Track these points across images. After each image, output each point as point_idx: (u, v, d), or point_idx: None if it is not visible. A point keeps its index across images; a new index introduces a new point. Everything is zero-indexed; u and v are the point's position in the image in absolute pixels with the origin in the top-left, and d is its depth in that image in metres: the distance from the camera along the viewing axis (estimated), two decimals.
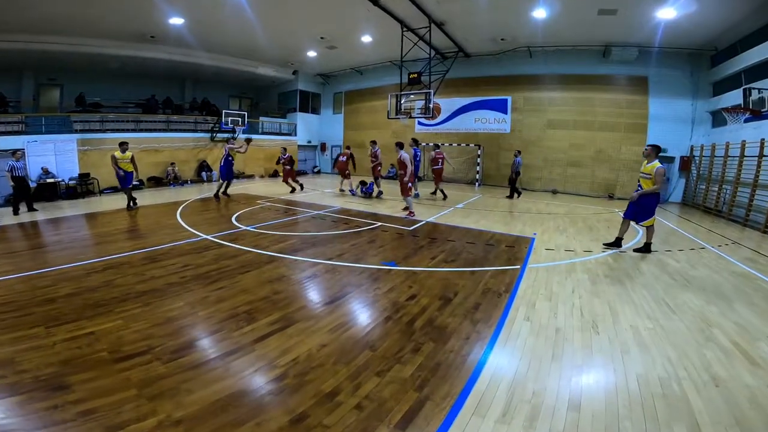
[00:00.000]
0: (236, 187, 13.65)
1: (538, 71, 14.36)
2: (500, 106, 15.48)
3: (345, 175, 12.02)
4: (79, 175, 12.03)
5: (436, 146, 12.77)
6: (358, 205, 9.88)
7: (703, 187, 11.40)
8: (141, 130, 14.23)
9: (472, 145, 16.07)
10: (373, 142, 11.94)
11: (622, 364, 2.73)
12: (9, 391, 2.34)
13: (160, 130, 14.80)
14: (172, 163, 14.66)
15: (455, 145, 16.53)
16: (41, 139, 11.61)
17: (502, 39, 13.02)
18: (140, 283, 4.32)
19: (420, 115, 12.40)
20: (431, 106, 11.99)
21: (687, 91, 12.27)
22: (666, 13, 9.57)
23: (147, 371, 2.59)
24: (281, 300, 3.82)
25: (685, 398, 2.36)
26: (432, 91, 12.15)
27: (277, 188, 13.16)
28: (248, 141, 12.18)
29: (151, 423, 2.10)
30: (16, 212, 8.94)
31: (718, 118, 11.45)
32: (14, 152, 9.46)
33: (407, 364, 2.67)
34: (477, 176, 15.87)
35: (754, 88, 8.58)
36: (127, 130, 13.86)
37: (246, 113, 16.89)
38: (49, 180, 11.21)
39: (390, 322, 3.38)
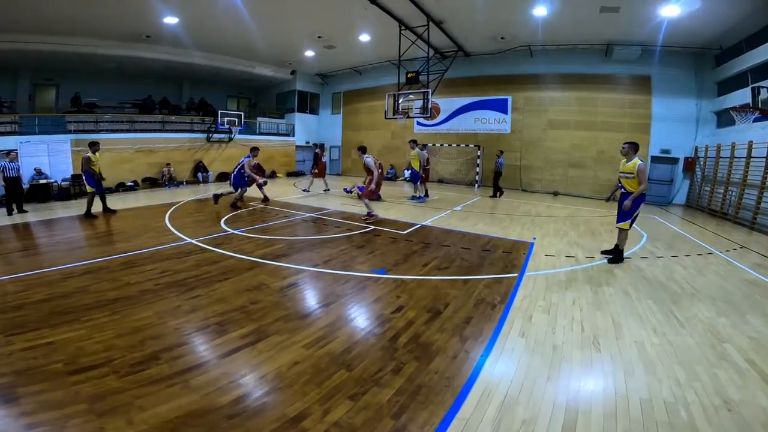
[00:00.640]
0: (229, 188, 13.42)
1: (539, 70, 14.10)
2: (500, 106, 15.22)
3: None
4: (72, 176, 11.83)
5: (423, 146, 12.47)
6: (354, 207, 9.62)
7: (708, 188, 11.09)
8: (136, 131, 14.05)
9: (472, 145, 15.80)
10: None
11: (625, 386, 2.46)
12: None
13: (155, 131, 14.59)
14: (168, 164, 14.46)
15: (454, 145, 16.28)
16: (34, 140, 11.43)
17: (502, 38, 12.76)
18: (114, 289, 4.09)
19: (418, 115, 12.17)
20: (429, 105, 11.75)
21: (691, 90, 11.97)
22: (669, 11, 9.30)
23: (100, 385, 2.40)
24: (257, 311, 3.56)
25: (693, 426, 2.09)
26: (430, 90, 11.90)
27: (274, 189, 12.91)
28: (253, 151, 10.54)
29: None
30: (10, 213, 8.80)
31: (723, 118, 11.15)
32: (8, 153, 9.31)
33: (385, 386, 2.41)
34: (477, 177, 15.60)
35: (763, 87, 8.28)
36: (122, 131, 13.69)
37: (243, 113, 16.72)
38: (41, 181, 11.02)
39: (372, 337, 3.11)
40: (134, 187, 13.43)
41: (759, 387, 2.49)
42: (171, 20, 11.12)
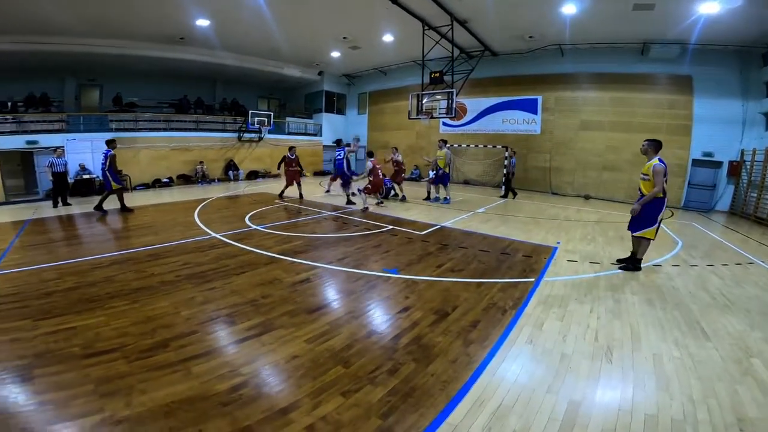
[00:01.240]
0: (257, 187, 13.87)
1: (571, 70, 13.58)
2: (530, 107, 14.79)
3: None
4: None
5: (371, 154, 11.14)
6: (375, 207, 9.65)
7: (755, 195, 10.29)
8: (172, 129, 14.73)
9: (500, 146, 15.44)
10: (395, 149, 11.71)
11: (631, 401, 2.32)
12: None
13: (190, 130, 15.25)
14: (201, 162, 15.08)
15: (481, 146, 15.96)
16: (79, 138, 12.26)
17: (530, 37, 12.39)
18: (137, 280, 4.32)
19: (442, 116, 12.01)
20: (454, 106, 11.58)
21: (736, 90, 11.14)
22: (708, 8, 8.70)
23: (109, 369, 2.55)
24: (267, 304, 3.65)
25: None
26: (455, 90, 11.72)
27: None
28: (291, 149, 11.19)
29: (94, 420, 2.06)
30: (55, 205, 9.48)
31: None
32: (55, 149, 10.03)
33: (379, 385, 2.40)
34: (503, 179, 15.21)
35: None
36: (159, 129, 14.38)
37: (272, 113, 17.16)
38: (85, 176, 11.82)
39: (374, 336, 3.11)
40: (169, 184, 14.10)
41: None
42: (203, 23, 11.58)
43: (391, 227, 7.33)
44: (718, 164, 11.69)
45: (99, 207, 8.51)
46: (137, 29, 11.84)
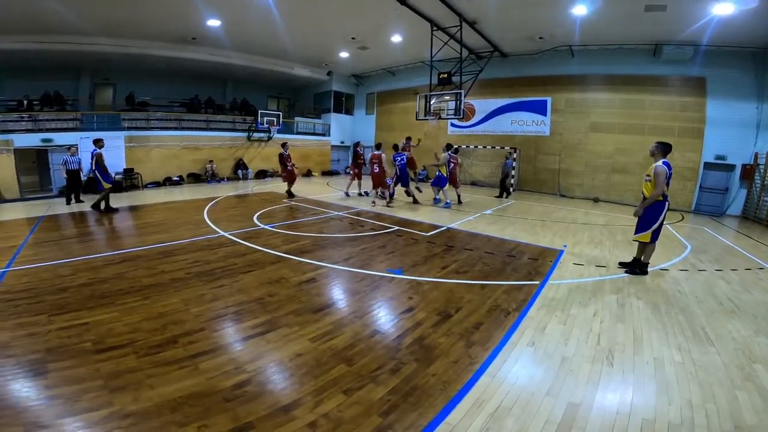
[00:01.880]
0: (266, 186, 14.02)
1: (581, 71, 13.45)
2: (539, 108, 14.70)
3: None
4: (124, 169, 12.83)
5: (456, 149, 11.51)
6: (383, 208, 9.69)
7: None
8: (182, 128, 14.95)
9: (508, 147, 15.39)
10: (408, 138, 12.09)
11: (630, 404, 2.34)
12: None
13: (200, 129, 15.47)
14: (211, 161, 15.29)
15: (489, 147, 15.92)
16: (93, 136, 12.49)
17: (540, 38, 12.32)
18: (148, 276, 4.43)
19: (451, 117, 12.01)
20: (462, 107, 11.57)
21: (751, 92, 10.94)
22: (722, 9, 8.55)
23: (120, 364, 2.63)
24: (273, 303, 3.72)
25: None
26: (463, 91, 11.71)
27: (307, 187, 13.30)
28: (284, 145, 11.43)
29: (102, 414, 2.12)
30: (68, 202, 9.70)
31: None
32: (69, 147, 10.26)
33: (380, 384, 2.45)
34: (512, 181, 15.15)
35: None
36: (170, 128, 14.61)
37: (281, 113, 17.31)
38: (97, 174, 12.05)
39: (377, 335, 3.16)
40: (179, 182, 14.32)
41: None
42: (214, 23, 11.73)
43: (397, 228, 7.37)
44: (731, 167, 11.50)
45: (96, 206, 8.64)
46: (151, 29, 12.03)
